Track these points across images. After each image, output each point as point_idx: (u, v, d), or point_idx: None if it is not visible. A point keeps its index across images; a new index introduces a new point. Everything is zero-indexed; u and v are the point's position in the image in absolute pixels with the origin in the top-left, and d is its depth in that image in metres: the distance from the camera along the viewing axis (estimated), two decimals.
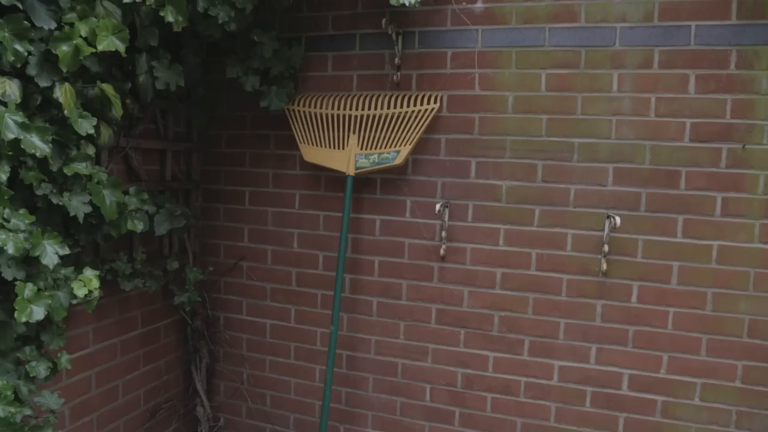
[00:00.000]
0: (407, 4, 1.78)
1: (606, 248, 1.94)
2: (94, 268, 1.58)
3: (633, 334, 1.98)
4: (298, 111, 2.23)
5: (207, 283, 2.46)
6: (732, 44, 1.82)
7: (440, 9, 2.09)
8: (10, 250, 1.33)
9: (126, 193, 1.85)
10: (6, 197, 1.33)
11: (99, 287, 1.54)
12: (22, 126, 1.34)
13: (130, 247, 2.06)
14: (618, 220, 1.87)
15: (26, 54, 1.40)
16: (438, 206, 2.05)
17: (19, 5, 1.39)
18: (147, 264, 2.07)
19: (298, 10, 2.26)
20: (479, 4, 2.05)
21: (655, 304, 1.96)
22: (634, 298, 1.97)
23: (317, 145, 2.20)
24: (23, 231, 1.39)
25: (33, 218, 1.43)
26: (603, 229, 1.95)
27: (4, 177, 1.31)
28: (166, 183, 2.22)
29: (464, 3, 2.06)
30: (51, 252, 1.47)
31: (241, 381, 2.50)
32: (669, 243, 1.93)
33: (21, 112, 1.37)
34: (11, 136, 1.32)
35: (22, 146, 1.35)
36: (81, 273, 1.56)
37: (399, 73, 2.14)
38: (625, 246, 1.96)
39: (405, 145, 2.08)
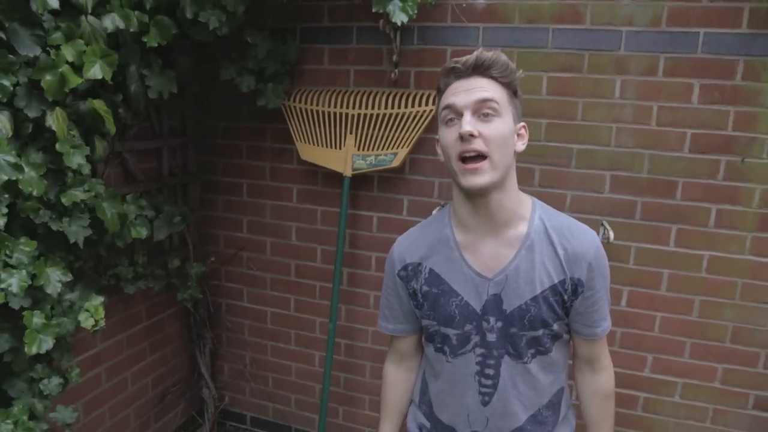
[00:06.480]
0: (398, 24, 1.70)
1: None
2: (98, 292, 1.62)
3: (620, 336, 2.05)
4: (294, 107, 2.18)
5: (208, 271, 2.51)
6: (740, 54, 1.77)
7: (440, 3, 2.00)
8: (15, 288, 1.36)
9: (124, 199, 1.86)
10: (7, 242, 1.34)
11: (104, 316, 1.58)
12: (15, 167, 1.33)
13: (131, 248, 2.08)
14: (612, 235, 1.89)
15: (12, 87, 1.36)
16: (435, 212, 2.05)
17: (2, 36, 1.34)
18: (148, 265, 2.10)
19: None
20: (481, 0, 1.97)
21: (644, 308, 2.02)
22: (623, 302, 2.03)
23: (314, 144, 2.18)
24: (26, 265, 1.41)
25: (34, 245, 1.45)
26: (597, 236, 1.97)
27: (2, 222, 1.31)
28: (163, 180, 2.21)
29: None
30: (55, 280, 1.50)
31: (244, 364, 2.61)
32: (661, 251, 1.96)
33: (13, 150, 1.36)
34: (4, 177, 1.31)
35: (20, 186, 1.35)
36: (87, 299, 1.60)
37: (397, 70, 2.08)
38: (618, 252, 1.99)
39: (402, 147, 2.06)
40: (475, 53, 1.10)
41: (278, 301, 2.49)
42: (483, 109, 1.06)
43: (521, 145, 1.15)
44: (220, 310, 2.59)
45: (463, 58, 1.10)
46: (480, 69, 1.08)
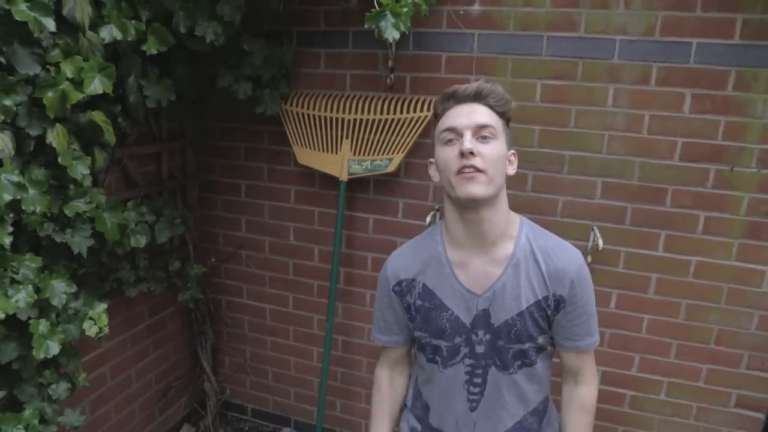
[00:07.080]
0: (390, 39, 1.71)
1: (589, 258, 2.02)
2: (101, 300, 1.67)
3: (609, 336, 2.12)
4: (291, 111, 2.21)
5: (208, 271, 2.56)
6: (732, 65, 1.79)
7: (436, 10, 2.00)
8: (22, 304, 1.41)
9: (125, 205, 1.90)
10: (13, 261, 1.39)
11: (107, 323, 1.64)
12: (19, 186, 1.37)
13: (133, 251, 2.12)
14: (601, 243, 1.93)
15: (15, 107, 1.39)
16: (428, 218, 2.10)
17: (2, 59, 1.36)
18: (150, 268, 2.15)
19: (289, 2, 2.16)
20: (476, 7, 1.97)
21: (632, 310, 2.08)
22: (612, 305, 2.09)
23: (311, 148, 2.21)
24: (32, 279, 1.46)
25: (40, 260, 1.50)
26: (588, 240, 2.02)
27: (8, 241, 1.35)
28: (163, 183, 2.25)
29: (461, 5, 1.98)
30: (60, 292, 1.55)
31: (244, 358, 2.68)
32: (650, 256, 2.01)
33: (17, 168, 1.39)
34: (9, 197, 1.35)
35: (23, 206, 1.39)
36: (90, 306, 1.65)
37: (392, 76, 2.10)
38: (608, 257, 2.04)
39: (397, 153, 2.09)
40: (476, 83, 1.18)
41: (277, 299, 2.55)
42: (482, 132, 1.15)
43: (511, 170, 1.25)
44: (221, 306, 2.65)
45: (463, 86, 1.18)
46: (479, 97, 1.18)
